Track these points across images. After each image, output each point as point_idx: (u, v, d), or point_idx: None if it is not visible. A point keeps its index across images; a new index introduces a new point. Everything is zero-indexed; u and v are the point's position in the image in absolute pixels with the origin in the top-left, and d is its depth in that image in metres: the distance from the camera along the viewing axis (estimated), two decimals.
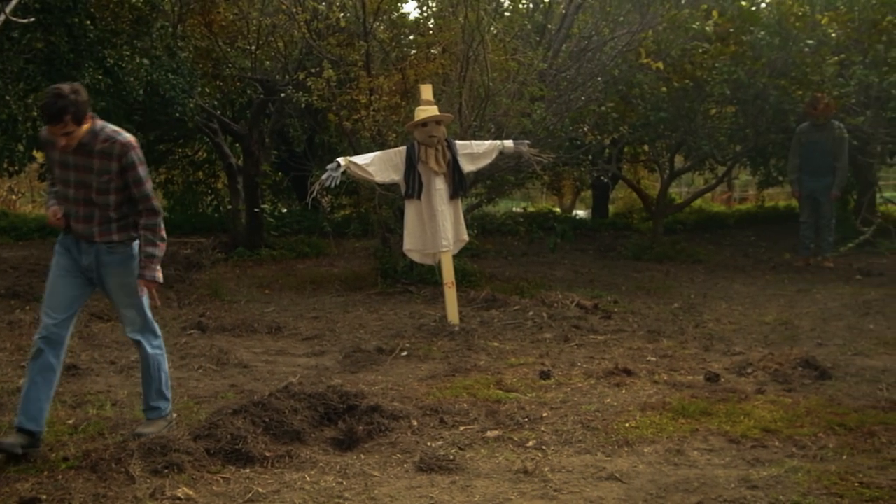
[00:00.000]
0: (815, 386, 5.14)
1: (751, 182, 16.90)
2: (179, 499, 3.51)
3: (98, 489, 3.56)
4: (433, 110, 6.91)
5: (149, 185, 4.07)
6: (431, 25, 9.89)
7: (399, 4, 10.10)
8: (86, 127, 3.90)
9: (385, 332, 6.86)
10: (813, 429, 4.30)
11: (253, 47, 10.71)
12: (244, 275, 9.95)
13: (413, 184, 6.86)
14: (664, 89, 10.51)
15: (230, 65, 10.74)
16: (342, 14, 9.65)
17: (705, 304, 7.96)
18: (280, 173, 14.28)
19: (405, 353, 6.07)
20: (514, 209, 16.38)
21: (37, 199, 16.88)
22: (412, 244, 7.04)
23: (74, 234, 4.09)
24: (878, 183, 12.56)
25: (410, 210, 6.96)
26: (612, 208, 17.56)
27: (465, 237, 7.23)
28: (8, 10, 5.14)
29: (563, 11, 10.50)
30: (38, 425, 3.95)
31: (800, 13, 9.97)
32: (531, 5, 11.78)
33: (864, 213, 11.01)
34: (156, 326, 4.30)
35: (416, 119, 6.88)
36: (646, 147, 13.52)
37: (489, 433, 4.31)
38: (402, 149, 6.97)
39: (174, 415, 4.43)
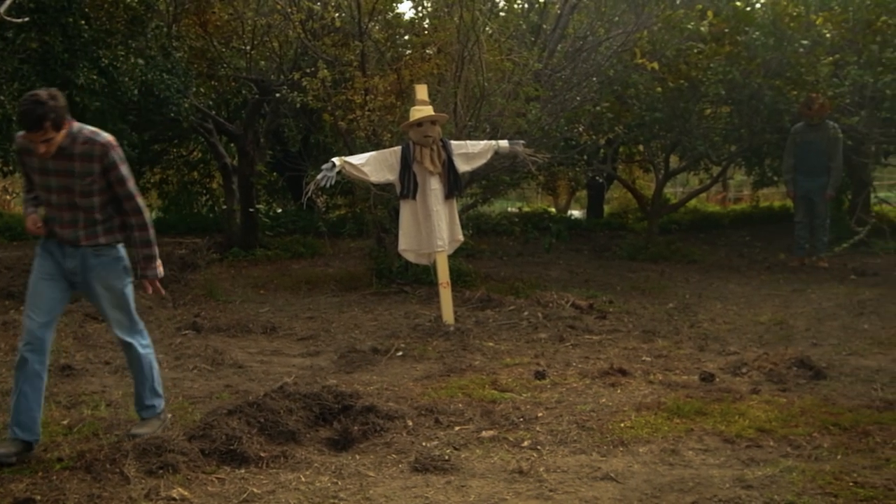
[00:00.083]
0: (809, 386, 5.15)
1: (745, 182, 16.92)
2: (174, 499, 3.50)
3: (93, 490, 3.55)
4: (428, 110, 6.91)
5: (132, 184, 4.06)
6: (426, 25, 9.88)
7: (394, 4, 10.11)
8: (64, 132, 3.86)
9: (380, 332, 6.85)
10: (807, 428, 4.30)
11: (248, 47, 10.70)
12: (239, 275, 9.94)
13: (408, 184, 6.85)
14: (659, 89, 10.52)
15: (225, 65, 10.74)
16: (337, 14, 9.64)
17: (700, 304, 7.96)
18: (275, 173, 14.30)
19: (400, 354, 6.07)
20: (509, 209, 16.42)
21: None
22: (407, 244, 7.04)
23: (59, 238, 4.06)
24: (873, 183, 12.57)
25: (405, 210, 6.96)
26: (607, 208, 17.58)
27: (461, 237, 7.23)
28: (2, 9, 5.13)
29: (559, 11, 10.50)
30: (32, 434, 3.94)
31: (794, 13, 9.99)
32: (526, 5, 11.79)
33: (858, 213, 11.02)
34: (142, 325, 4.30)
35: (412, 119, 6.88)
36: (641, 147, 13.56)
37: (484, 433, 4.31)
38: (398, 149, 6.96)
39: (168, 414, 4.42)
